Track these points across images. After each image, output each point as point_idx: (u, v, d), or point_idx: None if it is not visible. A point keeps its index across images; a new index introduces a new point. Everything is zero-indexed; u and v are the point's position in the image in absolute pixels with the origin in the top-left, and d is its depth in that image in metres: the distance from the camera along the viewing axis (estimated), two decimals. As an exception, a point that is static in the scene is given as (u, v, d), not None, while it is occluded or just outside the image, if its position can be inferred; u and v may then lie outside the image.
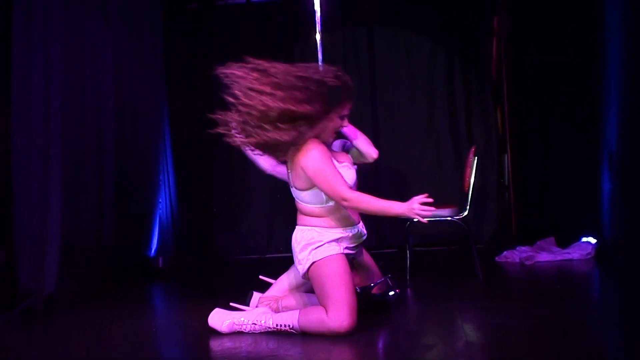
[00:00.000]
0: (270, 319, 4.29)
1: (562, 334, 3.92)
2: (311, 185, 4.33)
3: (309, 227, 4.38)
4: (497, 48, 8.05)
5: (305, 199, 4.39)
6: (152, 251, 7.46)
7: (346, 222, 4.44)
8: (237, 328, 4.32)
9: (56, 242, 5.44)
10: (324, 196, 4.33)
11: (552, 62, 7.44)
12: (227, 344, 4.12)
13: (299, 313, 4.26)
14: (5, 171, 5.24)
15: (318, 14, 5.62)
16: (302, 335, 4.19)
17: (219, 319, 4.36)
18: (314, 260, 4.28)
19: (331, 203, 4.36)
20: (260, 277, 5.01)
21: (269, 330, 4.28)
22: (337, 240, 4.36)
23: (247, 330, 4.30)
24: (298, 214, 4.48)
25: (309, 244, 4.32)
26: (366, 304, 4.63)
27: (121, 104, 6.67)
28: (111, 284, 6.34)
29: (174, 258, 7.61)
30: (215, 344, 4.14)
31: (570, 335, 3.89)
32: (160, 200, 7.67)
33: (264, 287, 4.91)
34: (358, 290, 4.57)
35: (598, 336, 3.95)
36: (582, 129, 7.21)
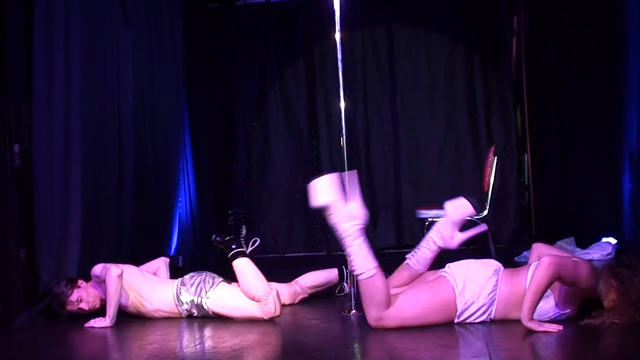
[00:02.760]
0: (354, 243, 4.20)
1: (580, 335, 3.90)
2: None
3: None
4: (517, 47, 8.03)
5: None
6: (172, 250, 7.49)
7: None
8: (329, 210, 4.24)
9: (76, 241, 5.47)
10: None
11: (572, 61, 7.41)
12: (246, 342, 4.13)
13: (376, 273, 4.17)
14: (27, 171, 5.27)
15: (337, 13, 5.59)
16: (306, 329, 4.18)
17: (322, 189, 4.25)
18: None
19: None
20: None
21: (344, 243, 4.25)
22: None
23: (334, 221, 4.24)
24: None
25: None
26: None
27: (141, 104, 6.70)
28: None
29: (194, 257, 7.63)
30: (231, 343, 4.14)
31: (588, 337, 3.87)
32: (180, 200, 7.70)
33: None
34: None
35: (616, 338, 3.92)
36: (603, 129, 7.17)
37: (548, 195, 7.83)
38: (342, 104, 5.57)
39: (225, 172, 8.40)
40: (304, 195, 8.30)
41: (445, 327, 4.19)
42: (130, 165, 6.45)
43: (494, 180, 5.88)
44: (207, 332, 4.49)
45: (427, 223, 5.93)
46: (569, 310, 4.14)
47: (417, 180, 8.18)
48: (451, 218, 4.49)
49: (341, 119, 5.65)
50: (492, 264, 4.39)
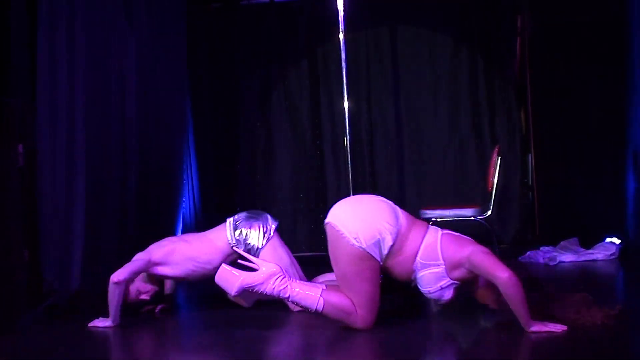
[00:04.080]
0: (288, 293, 4.19)
1: (586, 334, 3.89)
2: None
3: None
4: (521, 48, 8.02)
5: None
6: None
7: None
8: (249, 289, 4.19)
9: (80, 241, 5.47)
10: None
11: (576, 61, 7.41)
12: (251, 337, 4.13)
13: (323, 300, 4.18)
14: (31, 171, 5.28)
15: (341, 14, 5.61)
16: (314, 328, 4.18)
17: (229, 280, 4.21)
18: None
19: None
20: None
21: (283, 298, 4.23)
22: None
23: (261, 292, 4.19)
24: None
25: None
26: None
27: (145, 105, 6.69)
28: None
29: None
30: (239, 342, 4.15)
31: (594, 336, 3.87)
32: (183, 200, 7.70)
33: None
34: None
35: (622, 337, 3.92)
36: (607, 129, 7.18)
37: (552, 195, 7.82)
38: (346, 104, 5.60)
39: (229, 172, 8.39)
40: (308, 195, 8.32)
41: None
42: (134, 165, 6.45)
43: (498, 180, 5.88)
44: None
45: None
46: (457, 276, 4.23)
47: (420, 180, 8.18)
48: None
49: (345, 119, 5.67)
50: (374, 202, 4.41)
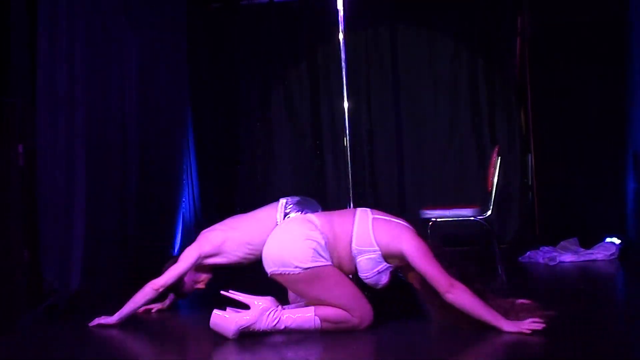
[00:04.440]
0: (283, 325, 4.21)
1: (586, 334, 3.89)
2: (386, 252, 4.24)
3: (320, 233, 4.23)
4: (521, 48, 8.02)
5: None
6: (176, 250, 7.49)
7: None
8: (245, 330, 4.20)
9: (80, 241, 5.47)
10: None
11: (576, 61, 7.41)
12: (250, 342, 4.13)
13: (319, 318, 4.19)
14: (31, 171, 5.28)
15: (341, 14, 5.61)
16: (319, 336, 4.18)
17: (223, 326, 4.21)
18: (309, 267, 4.17)
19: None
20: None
21: (280, 330, 4.23)
22: None
23: (257, 329, 4.20)
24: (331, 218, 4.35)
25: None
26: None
27: (145, 105, 6.70)
28: (134, 282, 6.36)
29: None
30: (238, 343, 4.14)
31: (594, 336, 3.87)
32: (183, 200, 7.70)
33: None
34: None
35: (622, 337, 3.92)
36: (607, 129, 7.18)
37: (552, 195, 7.83)
38: (346, 104, 5.59)
39: (229, 172, 8.39)
40: (308, 195, 8.30)
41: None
42: (134, 165, 6.45)
43: (498, 180, 5.87)
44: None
45: (430, 223, 5.92)
46: (393, 263, 4.24)
47: (420, 180, 8.18)
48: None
49: (345, 119, 5.66)
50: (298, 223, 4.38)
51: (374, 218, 4.29)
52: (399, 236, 4.23)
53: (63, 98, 5.43)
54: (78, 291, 5.41)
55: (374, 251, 4.20)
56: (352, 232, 4.24)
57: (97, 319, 4.77)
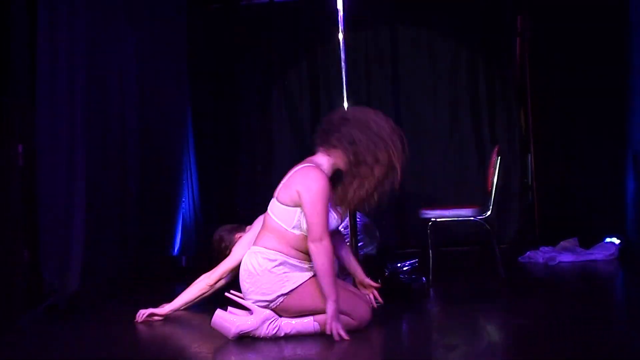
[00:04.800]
0: (283, 332, 4.19)
1: (586, 334, 3.90)
2: (294, 205, 4.20)
3: (272, 252, 4.20)
4: (521, 48, 8.02)
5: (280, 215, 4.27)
6: (175, 250, 7.49)
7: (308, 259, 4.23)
8: (245, 334, 4.18)
9: (80, 241, 5.47)
10: (298, 222, 4.19)
11: (576, 61, 7.41)
12: (248, 342, 4.13)
13: (315, 323, 4.18)
14: (30, 171, 5.28)
15: (341, 14, 5.59)
16: (318, 336, 4.18)
17: (224, 326, 4.22)
18: (289, 290, 4.15)
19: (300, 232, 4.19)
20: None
21: (280, 337, 4.21)
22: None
23: (257, 335, 4.18)
24: (263, 232, 4.33)
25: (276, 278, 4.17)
26: (392, 288, 4.66)
27: (145, 104, 6.70)
28: (134, 282, 6.37)
29: (197, 257, 7.63)
30: (236, 344, 4.14)
31: (594, 336, 3.87)
32: (183, 200, 7.70)
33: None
34: (386, 273, 4.59)
35: (622, 337, 3.92)
36: (606, 129, 7.18)
37: (552, 195, 7.83)
38: (346, 104, 5.58)
39: (228, 172, 8.39)
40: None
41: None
42: (134, 164, 6.46)
43: (498, 180, 5.87)
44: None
45: (430, 223, 5.92)
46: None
47: (420, 180, 8.17)
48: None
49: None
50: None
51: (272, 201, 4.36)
52: (294, 182, 4.28)
53: (63, 98, 5.43)
54: (78, 291, 5.41)
55: (293, 210, 4.19)
56: (274, 220, 4.26)
57: (147, 310, 4.79)
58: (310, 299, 4.14)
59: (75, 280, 5.41)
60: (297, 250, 4.18)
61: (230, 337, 4.17)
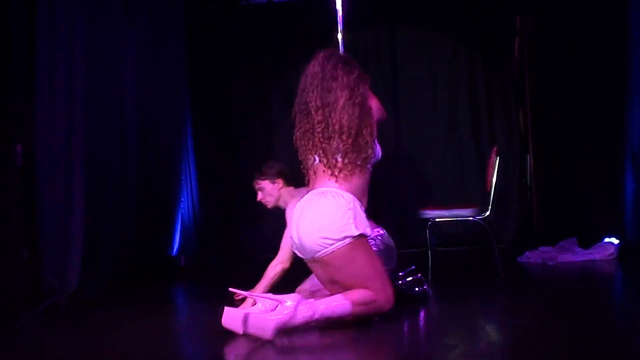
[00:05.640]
0: (318, 313, 4.09)
1: (585, 334, 3.90)
2: None
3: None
4: (520, 48, 8.03)
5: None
6: (174, 250, 7.49)
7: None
8: (284, 327, 4.04)
9: (79, 241, 5.48)
10: None
11: (575, 61, 7.40)
12: (249, 343, 4.13)
13: (349, 301, 4.13)
14: (29, 171, 5.28)
15: (340, 14, 5.61)
16: (320, 331, 4.17)
17: (260, 326, 4.01)
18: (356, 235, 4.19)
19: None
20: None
21: (315, 319, 4.13)
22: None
23: (295, 324, 4.06)
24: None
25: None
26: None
27: (144, 105, 6.70)
28: (133, 282, 6.38)
29: (196, 257, 7.64)
30: (237, 343, 4.14)
31: (593, 336, 3.87)
32: (182, 200, 7.70)
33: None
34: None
35: (621, 337, 3.92)
36: (605, 129, 7.17)
37: (550, 195, 7.83)
38: (345, 105, 5.56)
39: (227, 172, 8.39)
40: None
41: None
42: (132, 165, 6.46)
43: (497, 180, 5.87)
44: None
45: (429, 223, 5.92)
46: None
47: (419, 180, 8.17)
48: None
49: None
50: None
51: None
52: None
53: (62, 97, 5.44)
54: (77, 291, 5.41)
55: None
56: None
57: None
58: (360, 258, 4.20)
59: (74, 281, 5.41)
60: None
61: (269, 337, 3.98)
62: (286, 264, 5.06)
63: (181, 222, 7.66)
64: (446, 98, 8.15)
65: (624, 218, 6.76)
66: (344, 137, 4.32)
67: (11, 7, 5.21)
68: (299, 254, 4.40)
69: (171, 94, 7.35)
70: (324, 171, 4.35)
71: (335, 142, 4.32)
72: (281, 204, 5.46)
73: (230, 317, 4.12)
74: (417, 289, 4.90)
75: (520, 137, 8.07)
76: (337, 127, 4.32)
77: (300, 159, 4.50)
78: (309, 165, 4.43)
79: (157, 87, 7.01)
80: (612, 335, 3.93)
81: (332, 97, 4.33)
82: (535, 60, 7.87)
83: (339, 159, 4.31)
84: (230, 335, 4.13)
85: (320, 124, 4.34)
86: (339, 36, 5.58)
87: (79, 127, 5.53)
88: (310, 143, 4.39)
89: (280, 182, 5.40)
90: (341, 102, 4.31)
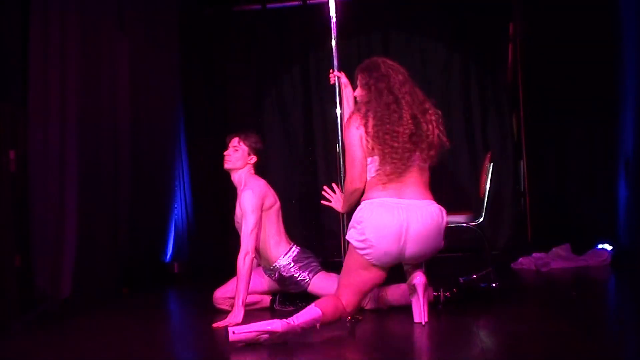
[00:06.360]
0: (295, 320, 4.06)
1: (578, 341, 3.90)
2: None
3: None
4: (513, 54, 8.04)
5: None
6: (168, 257, 7.48)
7: None
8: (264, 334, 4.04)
9: (72, 247, 5.46)
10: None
11: (568, 68, 7.42)
12: (243, 348, 4.12)
13: (317, 308, 4.12)
14: (22, 176, 5.26)
15: (333, 20, 5.60)
16: (313, 338, 4.17)
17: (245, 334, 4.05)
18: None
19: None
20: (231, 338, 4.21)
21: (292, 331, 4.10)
22: None
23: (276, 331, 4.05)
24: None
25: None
26: (467, 293, 4.94)
27: (137, 110, 6.69)
28: (126, 289, 6.36)
29: (189, 263, 7.62)
30: (231, 349, 4.14)
31: (586, 342, 3.87)
32: (175, 206, 7.69)
33: None
34: (461, 281, 5.00)
35: (614, 343, 3.93)
36: (599, 135, 7.19)
37: (544, 201, 7.83)
38: (338, 110, 5.58)
39: (221, 178, 8.37)
40: (300, 202, 8.31)
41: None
42: (125, 171, 6.44)
43: (490, 186, 5.87)
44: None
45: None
46: None
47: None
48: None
49: (337, 125, 5.66)
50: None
51: None
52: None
53: (55, 103, 5.43)
54: (69, 297, 5.40)
55: None
56: None
57: (223, 322, 4.62)
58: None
59: (67, 287, 5.40)
60: None
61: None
62: (254, 253, 5.10)
63: (175, 228, 7.65)
64: (439, 104, 8.08)
65: (617, 224, 6.77)
66: None
67: (4, 11, 5.21)
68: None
69: (164, 99, 7.34)
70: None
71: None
72: (237, 177, 5.47)
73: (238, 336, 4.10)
74: (483, 285, 5.13)
75: (513, 143, 8.07)
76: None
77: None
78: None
79: (150, 93, 7.00)
80: (605, 341, 3.93)
81: None
82: (529, 67, 7.89)
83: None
84: (223, 341, 4.13)
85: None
86: (333, 42, 5.57)
87: (72, 132, 5.53)
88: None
89: (253, 159, 5.34)
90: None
